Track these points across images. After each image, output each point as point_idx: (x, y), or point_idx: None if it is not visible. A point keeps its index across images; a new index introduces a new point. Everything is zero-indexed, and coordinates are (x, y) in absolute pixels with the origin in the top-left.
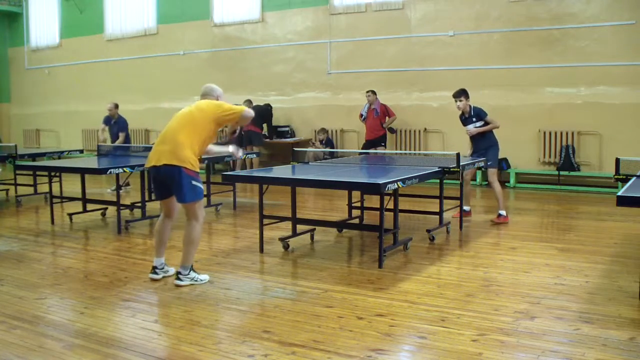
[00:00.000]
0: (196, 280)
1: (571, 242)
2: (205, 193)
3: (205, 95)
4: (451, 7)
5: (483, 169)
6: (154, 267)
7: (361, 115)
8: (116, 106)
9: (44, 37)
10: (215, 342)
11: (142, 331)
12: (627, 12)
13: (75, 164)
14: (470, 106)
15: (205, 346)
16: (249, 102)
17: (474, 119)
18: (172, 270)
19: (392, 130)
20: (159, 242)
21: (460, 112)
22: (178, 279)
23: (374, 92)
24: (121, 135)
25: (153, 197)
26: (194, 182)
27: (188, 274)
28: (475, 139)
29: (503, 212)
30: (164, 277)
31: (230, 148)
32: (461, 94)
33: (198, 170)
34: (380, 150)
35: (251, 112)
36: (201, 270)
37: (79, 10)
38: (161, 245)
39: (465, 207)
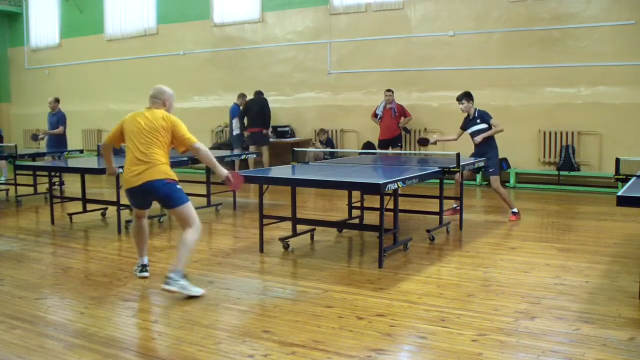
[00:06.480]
0: (185, 289)
1: (571, 242)
2: (205, 193)
3: (153, 97)
4: (451, 7)
5: (484, 175)
6: (145, 265)
7: (376, 115)
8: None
9: (44, 37)
10: (215, 342)
11: (142, 331)
12: (627, 12)
13: (75, 164)
14: (475, 109)
15: (205, 346)
16: (242, 96)
17: (477, 121)
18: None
19: (406, 130)
20: (141, 242)
21: (465, 114)
22: (167, 282)
23: (392, 92)
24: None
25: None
26: (177, 186)
27: (179, 281)
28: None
29: (516, 210)
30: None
31: (225, 175)
32: (463, 97)
33: (176, 178)
34: (390, 151)
35: (209, 155)
36: (201, 271)
37: (79, 10)
38: (144, 244)
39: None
